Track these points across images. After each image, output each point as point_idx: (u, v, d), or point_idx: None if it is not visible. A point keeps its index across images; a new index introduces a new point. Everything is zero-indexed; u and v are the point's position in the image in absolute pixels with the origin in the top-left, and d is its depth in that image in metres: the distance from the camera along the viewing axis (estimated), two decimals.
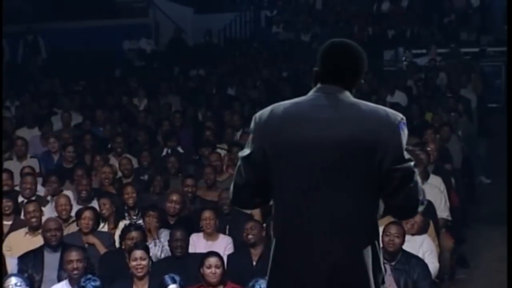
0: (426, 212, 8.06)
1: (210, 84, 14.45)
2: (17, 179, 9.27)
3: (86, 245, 7.60)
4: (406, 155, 3.12)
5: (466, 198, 10.35)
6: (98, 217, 7.94)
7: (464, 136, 11.54)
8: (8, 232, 7.97)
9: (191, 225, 7.86)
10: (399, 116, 3.15)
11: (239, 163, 3.27)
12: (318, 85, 3.23)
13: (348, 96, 3.20)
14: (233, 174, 3.33)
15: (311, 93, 3.24)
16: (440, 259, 7.76)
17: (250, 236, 7.33)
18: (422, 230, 7.48)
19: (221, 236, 7.78)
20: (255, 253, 7.32)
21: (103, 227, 8.06)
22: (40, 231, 7.60)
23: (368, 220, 3.14)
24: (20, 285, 6.61)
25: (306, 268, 3.12)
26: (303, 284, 3.12)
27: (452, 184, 9.58)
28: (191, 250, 7.46)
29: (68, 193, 8.93)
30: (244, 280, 6.76)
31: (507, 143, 7.72)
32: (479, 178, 11.90)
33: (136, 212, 8.25)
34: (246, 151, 3.23)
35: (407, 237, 7.06)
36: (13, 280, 6.65)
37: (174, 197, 8.21)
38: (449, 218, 8.80)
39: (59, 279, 7.09)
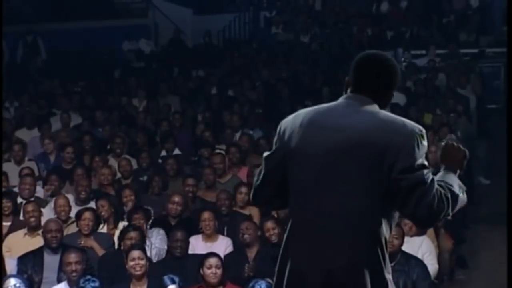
0: None
1: (209, 85, 14.45)
2: (16, 181, 9.27)
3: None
4: (419, 165, 3.13)
5: None
6: (98, 218, 7.94)
7: (463, 136, 11.54)
8: (7, 233, 7.98)
9: (191, 226, 7.86)
10: (417, 128, 3.20)
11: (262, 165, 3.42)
12: (347, 94, 3.33)
13: (371, 107, 3.25)
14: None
15: (338, 100, 3.33)
16: (439, 259, 7.77)
17: (245, 236, 7.34)
18: (420, 232, 7.48)
19: (221, 237, 7.78)
20: (251, 253, 7.32)
21: (102, 228, 8.06)
22: (39, 231, 7.61)
23: (372, 225, 3.16)
24: (19, 286, 6.63)
25: (306, 268, 3.19)
26: (302, 283, 3.18)
27: None
28: (190, 252, 7.46)
29: (67, 194, 8.94)
30: (240, 280, 6.78)
31: (507, 144, 7.72)
32: (478, 178, 11.90)
33: (127, 214, 8.25)
34: (268, 152, 3.39)
35: (406, 238, 7.07)
36: (12, 281, 6.66)
37: (176, 198, 8.22)
38: (449, 217, 8.76)
39: (59, 280, 7.09)
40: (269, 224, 7.36)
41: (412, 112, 12.11)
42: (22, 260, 7.31)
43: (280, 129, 3.34)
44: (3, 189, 8.83)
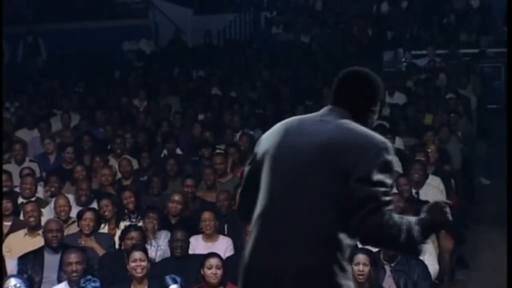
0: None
1: (209, 85, 14.45)
2: (16, 181, 9.27)
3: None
4: (378, 181, 3.10)
5: (465, 199, 10.35)
6: (100, 219, 7.94)
7: (464, 137, 11.54)
8: (8, 233, 7.97)
9: (192, 226, 7.85)
10: (382, 142, 3.19)
11: None
12: (328, 106, 3.39)
13: (344, 119, 3.28)
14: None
15: (321, 111, 3.39)
16: (440, 260, 7.76)
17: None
18: None
19: (221, 237, 7.78)
20: None
21: (103, 228, 8.06)
22: (39, 231, 7.60)
23: (329, 231, 3.13)
24: (19, 286, 6.61)
25: (260, 268, 3.20)
26: (257, 284, 3.20)
27: (451, 185, 9.58)
28: (190, 252, 7.46)
29: (68, 195, 8.94)
30: None
31: (507, 144, 7.72)
32: (478, 179, 11.90)
33: (136, 215, 8.25)
34: (247, 163, 3.45)
35: None
36: (12, 281, 6.65)
37: (176, 197, 8.23)
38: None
39: (59, 280, 7.08)
40: None
41: (413, 112, 12.12)
42: (22, 260, 7.29)
43: (260, 140, 3.41)
44: (6, 189, 8.84)
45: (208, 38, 17.89)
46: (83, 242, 7.64)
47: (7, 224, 8.17)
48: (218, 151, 10.25)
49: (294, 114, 11.47)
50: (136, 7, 19.33)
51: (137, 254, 6.76)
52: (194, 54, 17.33)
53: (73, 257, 6.82)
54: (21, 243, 7.70)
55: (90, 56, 16.62)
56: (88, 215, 7.77)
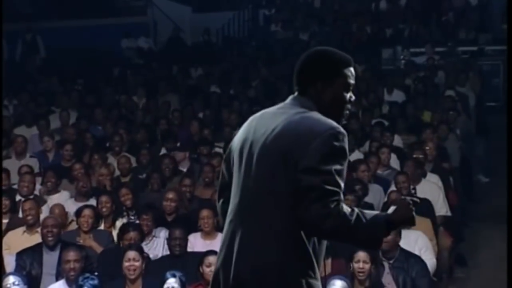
0: (424, 210, 8.09)
1: (208, 83, 14.45)
2: (15, 178, 9.26)
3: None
4: (324, 170, 2.98)
5: (464, 196, 10.36)
6: (98, 216, 7.93)
7: (463, 134, 11.54)
8: (5, 231, 7.97)
9: (190, 224, 7.85)
10: (332, 128, 3.05)
11: None
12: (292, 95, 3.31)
13: (300, 108, 3.17)
14: None
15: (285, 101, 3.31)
16: (439, 257, 7.77)
17: None
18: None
19: (220, 235, 7.75)
20: None
21: (100, 225, 8.06)
22: (38, 229, 7.60)
23: (285, 226, 3.05)
24: (18, 284, 6.60)
25: (222, 267, 3.17)
26: (219, 283, 3.17)
27: (450, 182, 9.59)
28: (189, 250, 7.46)
29: (65, 193, 8.93)
30: None
31: (507, 143, 7.71)
32: (477, 176, 11.90)
33: (134, 212, 8.25)
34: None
35: (402, 234, 7.04)
36: (11, 279, 6.64)
37: (170, 195, 8.23)
38: (448, 214, 8.78)
39: (58, 277, 7.07)
40: None
41: (411, 110, 12.12)
42: (21, 256, 7.30)
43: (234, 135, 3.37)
44: (5, 187, 8.83)
45: (207, 36, 17.88)
46: (81, 241, 7.64)
47: (4, 221, 8.16)
48: (216, 149, 10.25)
49: None
50: (135, 4, 19.32)
51: (131, 254, 6.73)
52: (193, 51, 17.32)
53: (71, 255, 6.82)
54: (19, 240, 7.70)
55: (89, 54, 16.58)
56: (87, 212, 7.76)
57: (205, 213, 7.71)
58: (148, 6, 19.12)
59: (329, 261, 7.03)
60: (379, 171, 9.34)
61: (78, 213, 7.85)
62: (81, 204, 8.31)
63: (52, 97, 13.56)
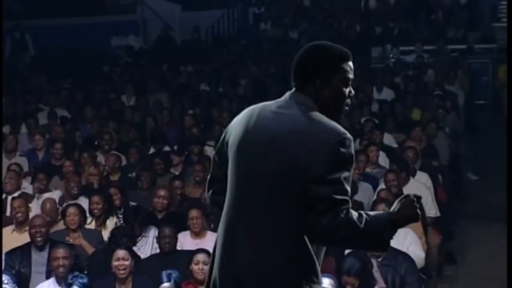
0: None
1: (198, 81, 14.43)
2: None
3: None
4: (333, 179, 2.94)
5: (453, 194, 10.38)
6: (84, 213, 7.89)
7: (451, 132, 11.57)
8: None
9: (179, 222, 7.84)
10: (338, 134, 2.99)
11: None
12: (289, 91, 3.21)
13: (302, 106, 3.08)
14: None
15: (282, 98, 3.21)
16: (428, 255, 7.77)
17: None
18: None
19: (209, 233, 7.76)
20: None
21: (91, 223, 8.04)
22: (27, 227, 7.57)
23: (288, 231, 3.01)
24: (7, 283, 6.58)
25: (221, 272, 3.12)
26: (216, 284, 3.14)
27: (439, 180, 9.60)
28: (178, 249, 7.45)
29: (57, 192, 8.91)
30: None
31: (507, 142, 7.72)
32: (466, 174, 11.93)
33: (122, 211, 8.23)
34: (214, 152, 3.33)
35: None
36: None
37: (162, 193, 8.22)
38: (438, 215, 8.79)
39: (48, 276, 7.06)
40: None
41: (400, 108, 12.15)
42: (10, 255, 7.25)
43: (228, 126, 3.24)
44: None
45: (197, 34, 17.88)
46: (71, 239, 7.62)
47: None
48: (206, 147, 10.24)
49: None
50: (124, 2, 19.27)
51: (120, 253, 6.70)
52: (183, 50, 17.31)
53: (60, 252, 6.79)
54: (9, 239, 7.65)
55: (78, 52, 16.55)
56: (71, 210, 7.73)
57: (194, 213, 7.69)
58: (137, 4, 19.08)
59: None
60: (368, 169, 9.35)
61: (63, 213, 7.84)
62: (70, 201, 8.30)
63: (41, 95, 13.52)
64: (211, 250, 7.07)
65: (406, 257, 6.94)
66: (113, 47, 17.46)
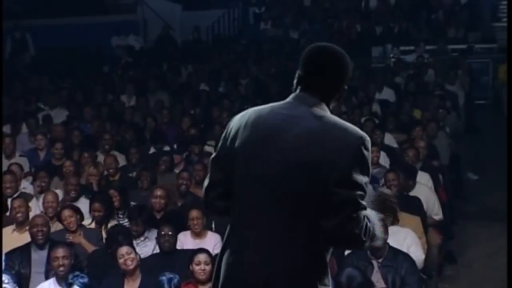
0: (413, 208, 8.09)
1: (198, 81, 14.43)
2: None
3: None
4: (355, 184, 2.97)
5: (453, 194, 10.37)
6: (80, 212, 7.87)
7: (452, 132, 11.56)
8: None
9: (179, 221, 7.83)
10: (360, 137, 3.01)
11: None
12: (296, 92, 3.18)
13: (317, 109, 3.08)
14: None
15: (289, 99, 3.18)
16: (428, 255, 7.77)
17: None
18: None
19: (210, 233, 7.75)
20: None
21: (90, 224, 8.03)
22: (27, 227, 7.57)
23: (308, 236, 3.02)
24: (8, 283, 6.58)
25: (240, 276, 3.08)
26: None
27: (439, 180, 9.59)
28: (179, 248, 7.45)
29: (58, 191, 8.90)
30: None
31: (507, 141, 7.72)
32: (466, 174, 11.92)
33: (123, 211, 8.23)
34: (214, 154, 3.25)
35: (391, 232, 7.05)
36: None
37: (159, 192, 8.21)
38: (441, 219, 8.77)
39: (47, 276, 7.05)
40: None
41: (401, 108, 12.14)
42: (10, 256, 7.26)
43: (227, 129, 3.19)
44: None
45: (197, 34, 17.88)
46: (70, 237, 7.62)
47: None
48: (207, 147, 10.24)
49: None
50: (124, 2, 19.26)
51: (123, 249, 6.74)
52: (183, 50, 17.30)
53: (60, 251, 6.79)
54: (9, 239, 7.65)
55: (79, 52, 16.55)
56: (66, 213, 7.71)
57: (194, 213, 7.67)
58: (138, 4, 19.07)
59: None
60: None
61: (58, 217, 7.83)
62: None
63: (42, 95, 13.51)
64: (211, 250, 7.10)
65: (406, 258, 6.93)
66: (113, 47, 17.46)
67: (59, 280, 6.73)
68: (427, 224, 8.23)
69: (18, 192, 8.76)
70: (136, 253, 6.84)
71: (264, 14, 19.10)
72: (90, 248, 7.57)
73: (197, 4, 19.68)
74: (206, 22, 18.34)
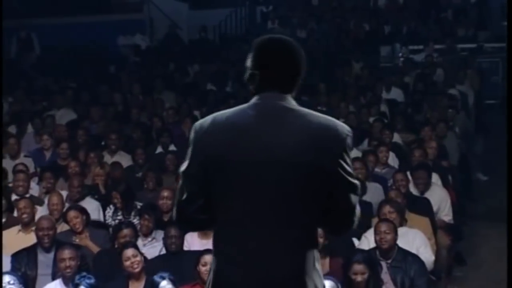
0: (422, 209, 8.03)
1: (205, 80, 14.38)
2: (10, 177, 9.20)
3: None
4: (351, 172, 3.00)
5: (463, 195, 10.31)
6: (86, 212, 7.83)
7: (461, 132, 11.50)
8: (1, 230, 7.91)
9: None
10: (346, 129, 3.01)
11: (181, 180, 3.09)
12: (260, 94, 3.04)
13: (292, 105, 3.03)
14: None
15: (253, 101, 3.05)
16: (437, 256, 7.71)
17: None
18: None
19: None
20: None
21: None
22: (33, 228, 7.54)
23: (308, 238, 3.00)
24: (13, 283, 6.55)
25: (240, 280, 2.99)
26: None
27: (449, 180, 9.54)
28: (185, 249, 7.40)
29: (63, 193, 8.86)
30: None
31: (507, 141, 7.66)
32: (476, 174, 11.86)
33: (128, 211, 8.19)
34: (185, 165, 3.06)
35: (400, 233, 7.00)
36: (6, 278, 6.59)
37: (165, 193, 8.16)
38: (451, 222, 8.72)
39: (54, 277, 7.02)
40: None
41: (410, 108, 12.07)
42: (16, 257, 7.25)
43: (197, 136, 3.04)
44: None
45: (204, 33, 17.83)
46: (77, 240, 7.59)
47: None
48: None
49: None
50: (131, 1, 19.23)
51: (129, 252, 6.73)
52: (190, 49, 17.26)
53: (66, 253, 6.78)
54: (14, 239, 7.65)
55: (85, 51, 16.52)
56: (72, 214, 7.69)
57: None
58: (144, 3, 19.04)
59: (327, 260, 6.98)
60: (377, 169, 9.28)
61: (64, 218, 7.81)
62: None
63: (47, 95, 13.49)
64: None
65: (415, 259, 6.90)
66: (119, 46, 17.44)
67: (66, 281, 6.73)
68: (436, 225, 8.17)
69: (28, 194, 8.71)
70: (141, 254, 6.80)
71: (271, 13, 19.05)
72: (96, 250, 7.53)
73: (204, 3, 19.64)
74: (213, 21, 18.29)
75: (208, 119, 3.06)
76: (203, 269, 6.58)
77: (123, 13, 18.60)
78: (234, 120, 3.01)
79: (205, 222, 3.09)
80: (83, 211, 7.80)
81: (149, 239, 7.64)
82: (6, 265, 7.22)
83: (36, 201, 8.56)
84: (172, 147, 10.67)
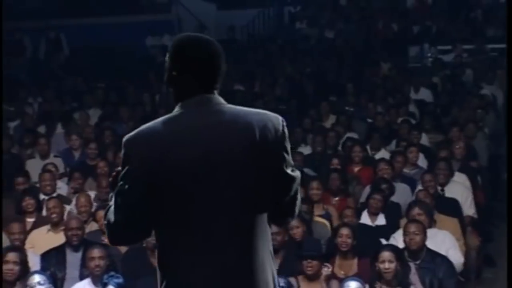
0: (451, 210, 7.98)
1: (232, 81, 14.38)
2: (34, 177, 9.28)
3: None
4: (291, 162, 3.01)
5: (492, 196, 10.23)
6: None
7: (491, 133, 11.41)
8: (31, 229, 7.97)
9: None
10: (280, 119, 3.04)
11: (113, 200, 3.01)
12: (185, 100, 3.01)
13: (221, 104, 3.04)
14: None
15: (180, 109, 3.02)
16: (466, 258, 7.67)
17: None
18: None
19: None
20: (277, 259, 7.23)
21: None
22: (62, 227, 7.59)
23: (263, 230, 3.00)
24: (43, 284, 6.59)
25: (201, 281, 2.94)
26: None
27: (478, 182, 9.47)
28: None
29: (91, 192, 8.91)
30: None
31: (507, 142, 7.59)
32: (505, 175, 11.75)
33: None
34: (122, 186, 2.98)
35: (429, 234, 6.97)
36: (36, 278, 6.63)
37: None
38: (475, 216, 8.67)
39: (81, 277, 7.06)
40: (294, 222, 7.24)
41: (438, 109, 12.00)
42: (45, 257, 7.30)
43: (130, 155, 2.99)
44: (26, 187, 8.85)
45: (232, 33, 17.85)
46: (106, 239, 7.61)
47: (30, 220, 8.21)
48: None
49: (318, 110, 11.31)
50: (159, 2, 19.31)
51: None
52: None
53: (95, 252, 6.82)
54: (44, 239, 7.72)
55: (113, 52, 16.60)
56: (101, 214, 7.71)
57: None
58: (172, 3, 19.10)
59: (355, 260, 6.96)
60: (406, 170, 9.24)
61: (94, 217, 7.85)
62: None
63: (77, 96, 13.57)
64: None
65: (444, 260, 6.87)
66: (148, 47, 17.50)
67: (95, 280, 6.75)
68: (465, 226, 8.12)
69: (55, 193, 8.77)
70: None
71: (299, 13, 19.03)
72: (124, 248, 7.56)
73: (232, 3, 19.65)
74: (241, 22, 18.29)
75: (139, 135, 3.02)
76: None
77: (152, 14, 18.67)
78: (167, 131, 2.96)
79: (141, 239, 3.11)
80: None
81: None
82: (36, 264, 7.28)
83: (64, 200, 8.62)
84: None
